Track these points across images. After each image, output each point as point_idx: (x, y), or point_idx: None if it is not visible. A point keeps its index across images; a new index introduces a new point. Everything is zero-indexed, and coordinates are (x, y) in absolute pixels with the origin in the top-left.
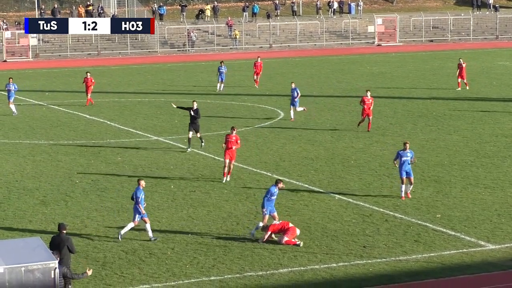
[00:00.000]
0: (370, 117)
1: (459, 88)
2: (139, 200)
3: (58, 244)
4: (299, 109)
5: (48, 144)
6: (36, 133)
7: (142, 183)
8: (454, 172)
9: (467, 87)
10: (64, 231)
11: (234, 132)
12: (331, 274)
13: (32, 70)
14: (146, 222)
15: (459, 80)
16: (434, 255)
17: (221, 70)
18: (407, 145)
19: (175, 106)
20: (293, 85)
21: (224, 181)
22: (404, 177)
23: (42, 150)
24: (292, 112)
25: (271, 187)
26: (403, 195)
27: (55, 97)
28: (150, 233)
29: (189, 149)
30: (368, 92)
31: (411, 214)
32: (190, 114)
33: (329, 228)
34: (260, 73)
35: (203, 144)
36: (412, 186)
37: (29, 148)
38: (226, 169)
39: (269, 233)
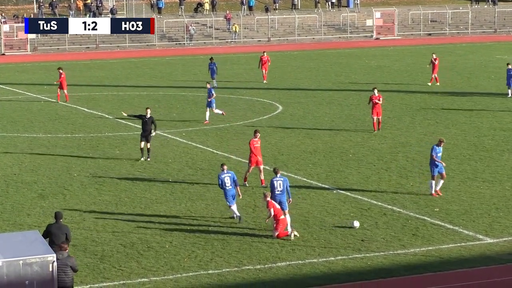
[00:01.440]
0: (380, 117)
1: (430, 84)
2: (237, 181)
3: (56, 232)
4: (217, 111)
5: (46, 138)
6: (34, 127)
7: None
8: (452, 166)
9: (437, 83)
10: (61, 220)
11: (258, 135)
12: (329, 268)
13: (30, 63)
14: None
15: (434, 75)
16: (432, 249)
17: (211, 67)
18: (443, 143)
19: (125, 115)
20: (208, 86)
21: (247, 185)
22: (436, 174)
23: (40, 144)
24: (207, 113)
25: (285, 179)
26: (433, 191)
27: (53, 90)
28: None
29: (142, 158)
30: (375, 89)
31: (409, 208)
32: (142, 122)
33: (327, 221)
34: (267, 67)
35: (148, 158)
36: (443, 181)
37: (27, 141)
38: (262, 175)
39: (271, 209)
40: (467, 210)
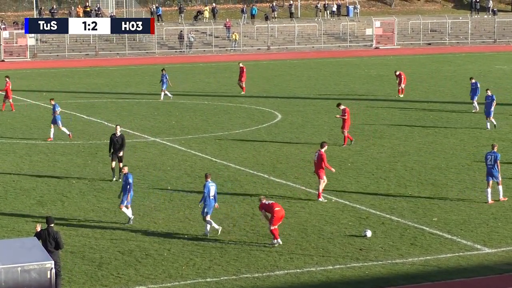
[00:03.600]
0: (345, 130)
1: (402, 95)
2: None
3: (46, 238)
4: (64, 129)
5: (45, 144)
6: (33, 133)
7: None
8: (451, 175)
9: (400, 95)
10: (52, 225)
11: (326, 147)
12: (327, 277)
13: (30, 70)
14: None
15: (401, 86)
16: (430, 258)
17: (162, 78)
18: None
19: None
20: (52, 102)
21: (323, 200)
22: (493, 181)
23: (39, 150)
24: (52, 130)
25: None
26: (490, 200)
27: (52, 97)
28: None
29: (114, 178)
30: (341, 105)
31: (407, 217)
32: (112, 141)
33: (326, 230)
34: (243, 77)
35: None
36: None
37: (26, 148)
38: (321, 187)
39: (262, 211)
40: (466, 219)
